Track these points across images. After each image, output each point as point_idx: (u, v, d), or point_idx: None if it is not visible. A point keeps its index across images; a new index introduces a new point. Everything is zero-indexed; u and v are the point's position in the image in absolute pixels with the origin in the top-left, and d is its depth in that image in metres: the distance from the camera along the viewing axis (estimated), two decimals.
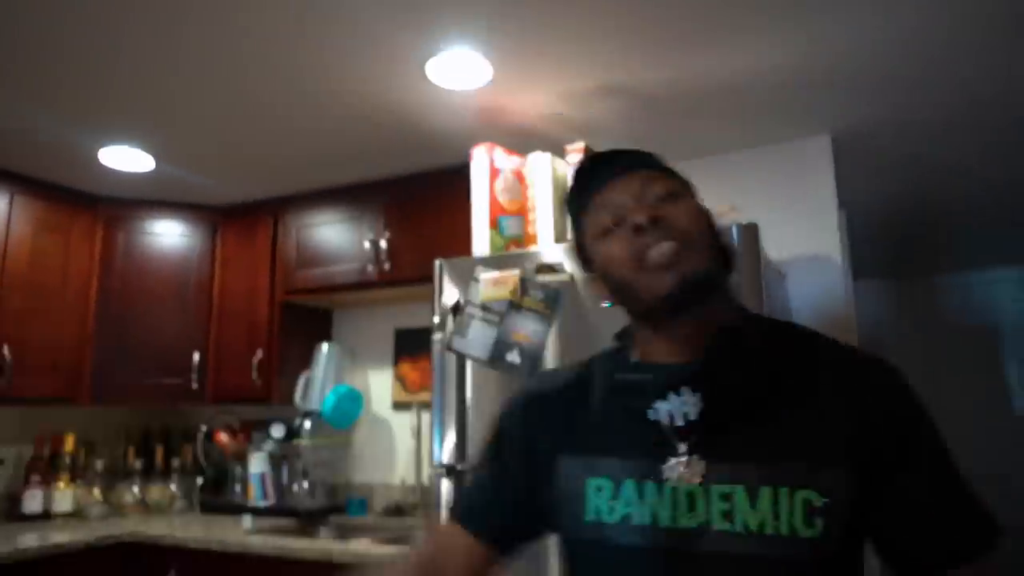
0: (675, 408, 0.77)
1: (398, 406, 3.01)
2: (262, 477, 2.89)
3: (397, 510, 2.79)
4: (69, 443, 2.92)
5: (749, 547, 0.72)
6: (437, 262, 1.96)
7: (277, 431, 2.93)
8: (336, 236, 2.83)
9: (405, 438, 2.93)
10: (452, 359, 1.86)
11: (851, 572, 0.77)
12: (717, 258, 0.81)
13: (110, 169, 2.70)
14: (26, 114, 2.24)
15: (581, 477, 0.83)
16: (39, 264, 2.76)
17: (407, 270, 2.60)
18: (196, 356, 2.99)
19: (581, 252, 0.90)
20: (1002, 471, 3.75)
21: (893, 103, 2.18)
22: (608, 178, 0.85)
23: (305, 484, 2.86)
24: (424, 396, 2.89)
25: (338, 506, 2.91)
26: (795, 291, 2.34)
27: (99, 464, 2.99)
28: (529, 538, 0.95)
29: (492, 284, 1.84)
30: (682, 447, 0.77)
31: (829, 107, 2.22)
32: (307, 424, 2.88)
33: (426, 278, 2.01)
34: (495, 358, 1.79)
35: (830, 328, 2.31)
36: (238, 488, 3.00)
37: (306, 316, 3.09)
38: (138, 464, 3.07)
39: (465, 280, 1.88)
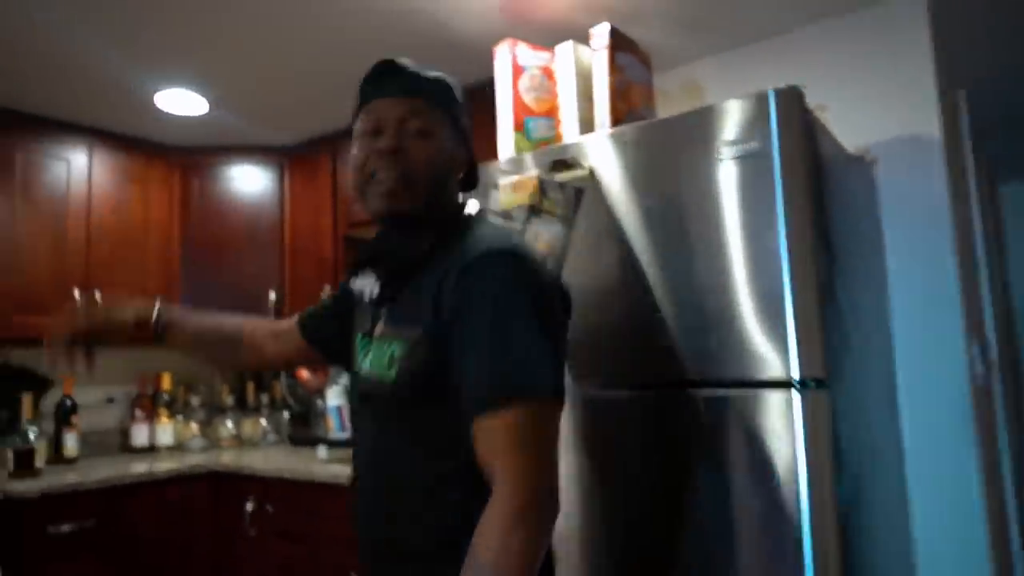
0: (363, 284, 1.08)
1: None
2: (339, 410, 2.94)
3: None
4: (166, 382, 3.11)
5: (368, 384, 1.02)
6: None
7: None
8: None
9: None
10: None
11: (428, 415, 0.96)
12: (438, 194, 1.02)
13: (174, 116, 2.77)
14: (84, 51, 2.32)
15: (355, 327, 1.15)
16: (122, 214, 2.91)
17: None
18: (272, 295, 3.06)
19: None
20: None
21: None
22: (386, 93, 1.01)
23: None
24: None
25: None
26: (889, 179, 2.01)
27: (196, 401, 3.18)
28: (333, 356, 1.29)
29: (511, 189, 1.68)
30: (381, 313, 1.04)
31: None
32: None
33: None
34: None
35: (923, 223, 1.85)
36: (321, 421, 3.09)
37: None
38: (230, 400, 3.23)
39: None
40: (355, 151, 1.02)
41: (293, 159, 3.13)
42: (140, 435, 3.03)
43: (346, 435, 2.89)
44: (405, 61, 1.04)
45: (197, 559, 2.63)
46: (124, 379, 3.14)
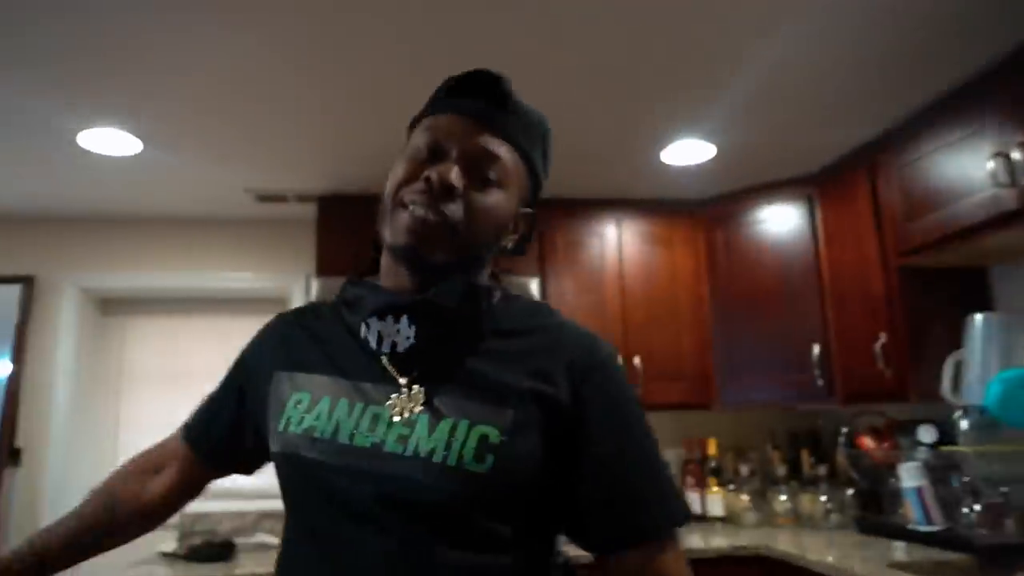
0: (387, 330, 0.77)
1: None
2: (918, 493, 2.26)
3: None
4: (712, 447, 2.93)
5: (413, 470, 0.70)
6: None
7: (925, 435, 2.26)
8: (948, 165, 2.05)
9: None
10: None
11: (509, 525, 0.72)
12: (474, 256, 0.81)
13: (682, 168, 2.66)
14: (595, 130, 2.41)
15: (287, 391, 0.81)
16: (651, 278, 2.91)
17: None
18: (816, 349, 2.60)
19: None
20: None
21: None
22: (469, 112, 0.80)
23: (976, 507, 2.08)
24: None
25: None
26: None
27: (745, 469, 2.90)
28: (250, 458, 0.92)
29: None
30: (403, 379, 0.76)
31: None
32: (964, 424, 2.12)
33: None
34: None
35: None
36: (895, 506, 2.43)
37: (942, 281, 2.33)
38: (783, 471, 2.84)
39: None
40: (400, 166, 0.80)
41: (822, 186, 2.66)
42: (692, 504, 2.91)
43: (933, 528, 2.19)
44: (508, 83, 0.81)
45: None
46: (674, 442, 3.10)
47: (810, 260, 2.67)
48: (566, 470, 0.74)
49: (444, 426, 0.72)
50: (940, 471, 2.23)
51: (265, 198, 2.93)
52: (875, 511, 2.55)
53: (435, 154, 0.78)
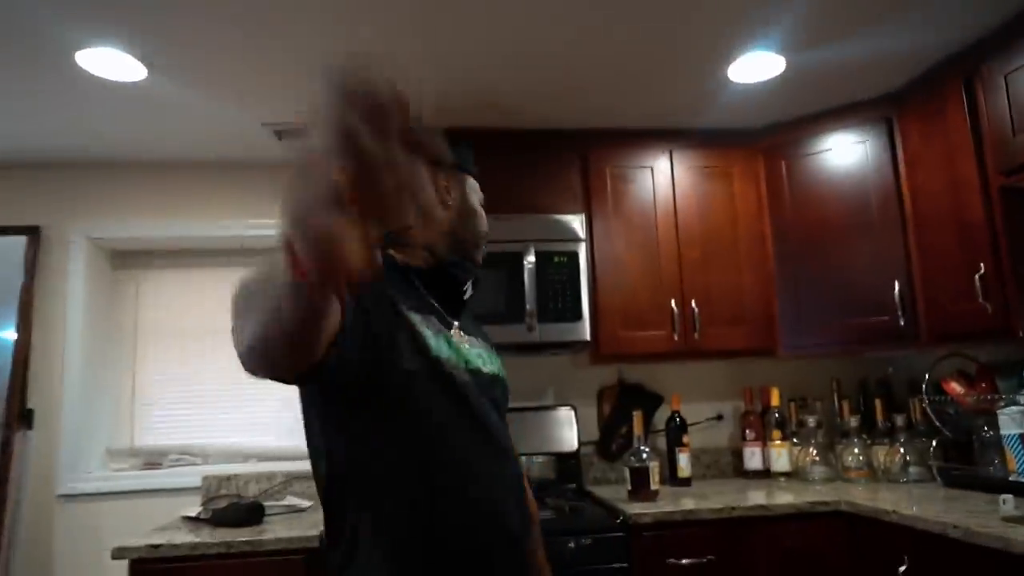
0: (470, 291, 1.28)
1: None
2: (1021, 440, 2.02)
3: None
4: (775, 397, 2.70)
5: (496, 382, 1.25)
6: None
7: None
8: None
9: None
10: None
11: None
12: None
13: (746, 88, 2.38)
14: (644, 54, 2.14)
15: (422, 325, 1.14)
16: (707, 214, 2.66)
17: None
18: (896, 286, 2.35)
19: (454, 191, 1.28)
20: None
21: None
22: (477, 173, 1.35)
23: None
24: None
25: None
26: None
27: (811, 421, 2.67)
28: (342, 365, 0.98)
29: None
30: (455, 322, 1.22)
31: None
32: None
33: None
34: None
35: None
36: (990, 456, 2.19)
37: None
38: (854, 422, 2.60)
39: None
40: (478, 217, 1.30)
41: (904, 105, 2.38)
42: (753, 459, 2.69)
43: None
44: None
45: None
46: (730, 393, 2.88)
47: (889, 188, 2.40)
48: None
49: (495, 356, 1.29)
50: None
51: (285, 133, 2.69)
52: (962, 463, 2.32)
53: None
